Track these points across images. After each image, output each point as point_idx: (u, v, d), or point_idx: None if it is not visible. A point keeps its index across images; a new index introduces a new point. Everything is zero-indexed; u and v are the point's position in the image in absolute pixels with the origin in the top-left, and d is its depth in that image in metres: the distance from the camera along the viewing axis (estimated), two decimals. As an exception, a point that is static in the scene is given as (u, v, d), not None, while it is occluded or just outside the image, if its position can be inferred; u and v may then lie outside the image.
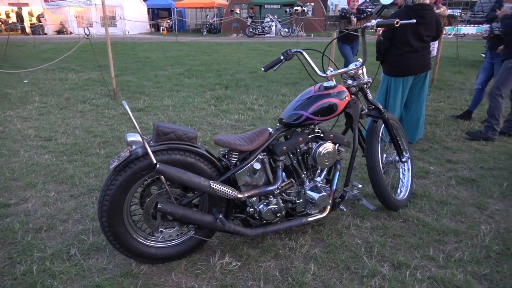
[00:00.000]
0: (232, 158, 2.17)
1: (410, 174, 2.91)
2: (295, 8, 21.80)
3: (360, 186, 2.47)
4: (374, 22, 2.35)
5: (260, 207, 2.23)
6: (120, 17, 22.38)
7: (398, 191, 2.86)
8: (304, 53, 2.41)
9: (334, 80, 2.40)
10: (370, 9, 7.18)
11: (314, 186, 2.38)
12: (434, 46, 7.16)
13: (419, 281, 2.02)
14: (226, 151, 2.23)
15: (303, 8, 22.45)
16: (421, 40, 3.74)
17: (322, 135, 2.37)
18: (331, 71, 2.42)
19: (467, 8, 20.86)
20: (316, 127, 2.38)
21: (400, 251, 2.28)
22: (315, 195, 2.32)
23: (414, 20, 2.47)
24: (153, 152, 1.93)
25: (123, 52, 13.32)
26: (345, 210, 2.49)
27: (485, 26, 4.86)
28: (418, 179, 3.26)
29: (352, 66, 2.48)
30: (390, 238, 2.40)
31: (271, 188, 2.20)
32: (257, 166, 2.17)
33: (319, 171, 2.43)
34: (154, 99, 6.24)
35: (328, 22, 6.72)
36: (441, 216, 2.68)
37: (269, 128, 2.31)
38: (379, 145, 2.62)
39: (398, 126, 2.84)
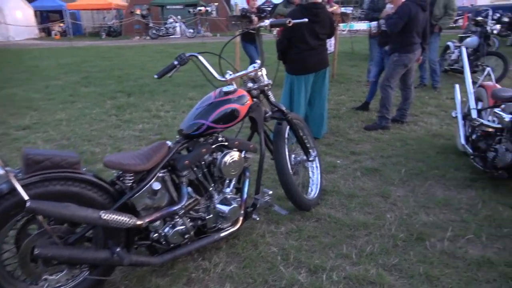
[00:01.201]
0: (127, 180, 1.91)
1: (318, 172, 2.94)
2: (199, 8, 21.53)
3: (270, 192, 2.40)
4: (267, 22, 2.27)
5: (166, 230, 2.01)
6: None
7: (309, 190, 2.87)
8: (200, 57, 2.24)
9: (234, 84, 2.27)
10: (271, 8, 7.30)
11: (223, 198, 2.23)
12: (331, 42, 7.55)
13: (335, 283, 2.00)
14: (120, 173, 1.96)
15: (207, 8, 22.28)
16: (317, 38, 3.84)
17: (226, 143, 2.23)
18: (230, 75, 2.29)
19: (358, 6, 22.69)
20: (220, 135, 2.23)
21: (315, 253, 2.25)
22: (226, 208, 2.18)
23: (307, 19, 2.46)
24: (23, 186, 1.59)
25: (6, 61, 11.72)
26: (258, 219, 2.39)
27: (374, 23, 5.20)
28: (328, 174, 3.33)
29: (250, 68, 2.39)
30: (305, 241, 2.37)
31: (175, 207, 1.99)
32: (157, 186, 1.94)
33: (227, 181, 2.29)
34: (45, 114, 5.52)
35: (232, 22, 6.65)
36: (351, 209, 2.74)
37: (167, 142, 2.09)
38: (287, 147, 2.58)
39: (303, 125, 2.84)
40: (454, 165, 3.42)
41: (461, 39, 9.28)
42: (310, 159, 2.79)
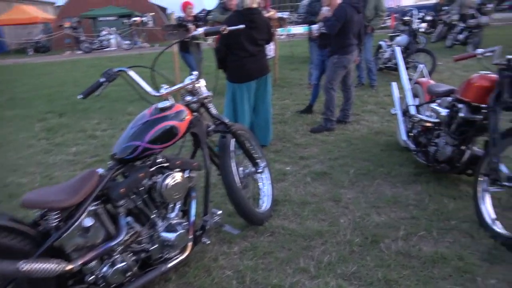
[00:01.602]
0: (53, 220, 1.66)
1: (269, 182, 2.84)
2: (133, 19, 20.79)
3: (220, 212, 2.24)
4: (201, 30, 2.13)
5: (104, 270, 1.77)
6: None
7: (260, 202, 2.75)
8: (130, 72, 2.03)
9: (171, 99, 2.09)
10: (203, 15, 7.15)
11: (168, 225, 2.04)
12: (271, 47, 7.58)
13: (296, 302, 1.89)
14: (44, 211, 1.70)
15: (142, 19, 21.59)
16: (256, 44, 3.76)
17: (167, 164, 2.05)
18: (166, 89, 2.11)
19: (293, 10, 23.27)
20: (159, 155, 2.04)
21: (272, 271, 2.13)
22: (171, 236, 1.99)
23: (243, 26, 2.36)
24: None
25: None
26: (208, 242, 2.22)
27: (316, 26, 5.25)
28: (278, 183, 3.24)
29: (187, 80, 2.23)
30: (260, 259, 2.24)
31: (113, 243, 1.77)
32: (89, 222, 1.71)
33: (171, 205, 2.10)
34: (-40, 144, 4.90)
35: (168, 32, 6.41)
36: (304, 218, 2.66)
37: (98, 170, 1.86)
38: (233, 160, 2.45)
39: (249, 135, 2.73)
40: (398, 161, 3.50)
41: (391, 38, 9.77)
42: (259, 170, 2.67)
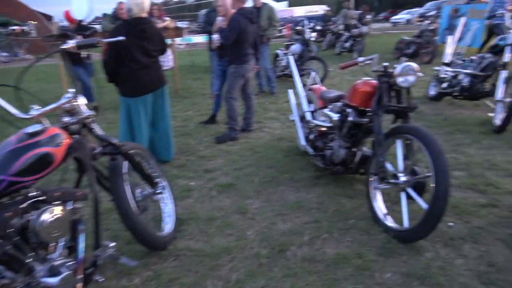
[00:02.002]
0: None
1: (171, 201, 2.67)
2: (12, 28, 18.50)
3: (113, 244, 2.00)
4: (72, 42, 1.90)
5: None
6: None
7: (163, 224, 2.56)
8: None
9: (45, 121, 1.81)
10: (94, 25, 6.63)
11: (50, 267, 1.74)
12: (169, 57, 7.36)
13: (204, 331, 1.77)
14: None
15: (23, 28, 19.34)
16: (149, 55, 3.56)
17: (44, 197, 1.75)
18: (37, 110, 1.81)
19: (193, 19, 23.16)
20: (33, 188, 1.74)
21: (178, 300, 1.98)
22: (54, 280, 1.70)
23: (123, 38, 2.17)
24: None
25: None
26: (103, 279, 1.97)
27: (216, 36, 5.19)
28: (182, 200, 3.08)
29: (63, 99, 1.95)
30: (165, 288, 2.07)
31: (-26, 302, 1.44)
32: None
33: (53, 244, 1.80)
34: None
35: (50, 43, 5.76)
36: (211, 236, 2.56)
37: None
38: (127, 183, 2.23)
39: (145, 154, 2.53)
40: (300, 166, 3.62)
41: (287, 47, 10.29)
42: (158, 191, 2.49)
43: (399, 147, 2.41)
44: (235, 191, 3.20)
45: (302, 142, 3.64)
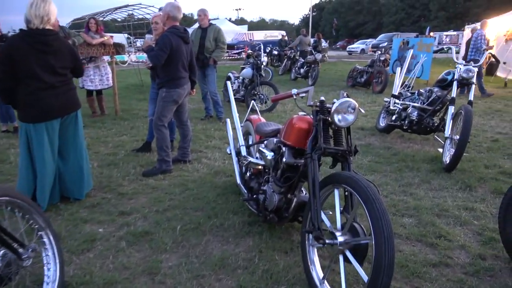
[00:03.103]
0: None
1: (56, 262, 2.06)
2: None
3: None
4: None
5: None
6: None
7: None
8: None
9: None
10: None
11: None
12: (108, 76, 6.73)
13: None
14: None
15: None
16: (55, 74, 2.98)
17: None
18: None
19: (141, 36, 22.49)
20: None
21: None
22: None
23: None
24: None
25: None
26: None
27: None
28: (80, 255, 2.48)
29: None
30: None
31: None
32: None
33: None
34: None
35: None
36: (103, 310, 1.98)
37: None
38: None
39: (17, 201, 1.93)
40: (233, 209, 3.13)
41: (243, 69, 9.99)
42: (24, 256, 1.87)
43: (337, 199, 2.01)
44: (150, 241, 2.64)
45: (238, 180, 3.18)
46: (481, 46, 8.57)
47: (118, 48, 6.72)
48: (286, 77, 13.52)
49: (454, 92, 4.23)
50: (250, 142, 3.43)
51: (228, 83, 3.83)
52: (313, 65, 11.49)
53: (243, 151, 3.14)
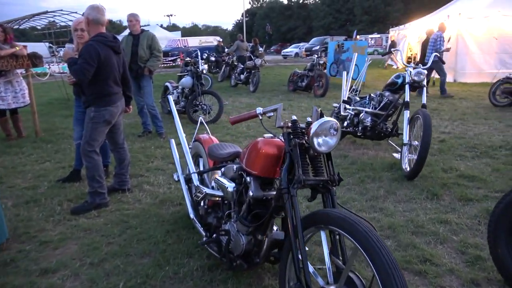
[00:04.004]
0: None
1: None
2: None
3: None
4: None
5: None
6: None
7: None
8: None
9: None
10: None
11: None
12: (24, 92, 5.78)
13: None
14: None
15: None
16: None
17: None
18: None
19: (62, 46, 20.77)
20: None
21: None
22: None
23: None
24: None
25: None
26: None
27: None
28: None
29: None
30: None
31: None
32: None
33: None
34: None
35: None
36: None
37: None
38: None
39: None
40: (188, 249, 2.61)
41: (180, 78, 9.37)
42: None
43: (324, 244, 1.61)
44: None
45: (190, 213, 2.67)
46: (440, 47, 8.76)
47: (34, 59, 5.80)
48: (226, 83, 13.11)
49: (407, 96, 4.12)
50: (201, 167, 2.94)
51: (170, 98, 3.27)
52: (253, 71, 11.22)
53: (195, 180, 2.64)
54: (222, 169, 2.33)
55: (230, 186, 2.10)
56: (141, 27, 5.69)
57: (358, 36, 27.83)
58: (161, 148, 5.27)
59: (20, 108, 5.90)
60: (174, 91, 7.56)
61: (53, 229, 3.01)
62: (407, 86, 4.15)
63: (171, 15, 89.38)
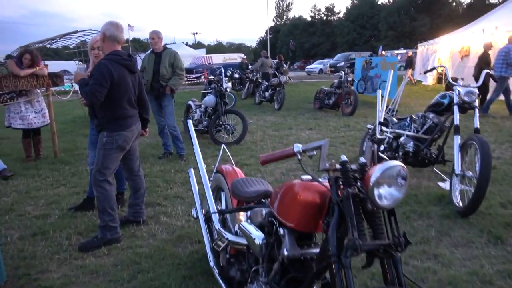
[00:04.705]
0: None
1: None
2: None
3: None
4: None
5: None
6: None
7: None
8: None
9: None
10: None
11: None
12: (44, 112, 5.63)
13: None
14: None
15: None
16: None
17: None
18: None
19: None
20: None
21: None
22: None
23: None
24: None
25: None
26: None
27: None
28: None
29: None
30: None
31: None
32: None
33: None
34: None
35: None
36: None
37: None
38: None
39: None
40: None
41: (203, 95, 9.12)
42: None
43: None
44: None
45: (210, 260, 2.27)
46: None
47: (55, 79, 5.66)
48: (250, 101, 12.83)
49: (456, 118, 3.62)
50: (223, 202, 2.55)
51: (190, 122, 2.89)
52: (278, 88, 10.89)
53: (216, 220, 2.25)
54: (248, 212, 1.93)
55: (258, 237, 1.69)
56: (167, 45, 5.46)
57: (383, 52, 27.37)
58: (181, 172, 4.93)
59: (40, 128, 5.75)
60: (197, 110, 7.29)
61: (56, 270, 2.67)
62: (455, 108, 3.65)
63: (196, 33, 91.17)
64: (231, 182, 2.35)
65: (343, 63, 31.70)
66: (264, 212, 1.77)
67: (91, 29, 11.32)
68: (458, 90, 3.71)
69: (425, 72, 4.51)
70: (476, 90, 3.65)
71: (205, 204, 2.63)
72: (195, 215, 2.57)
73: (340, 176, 1.36)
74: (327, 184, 1.40)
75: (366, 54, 30.42)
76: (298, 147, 1.44)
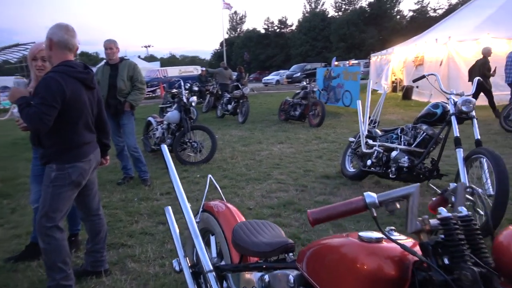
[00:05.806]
0: None
1: None
2: None
3: None
4: None
5: None
6: None
7: None
8: None
9: None
10: None
11: None
12: None
13: None
14: None
15: None
16: None
17: None
18: None
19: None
20: None
21: None
22: None
23: None
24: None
25: None
26: None
27: (15, 109, 3.01)
28: None
29: None
30: None
31: None
32: None
33: None
34: None
35: None
36: None
37: None
38: None
39: None
40: None
41: (162, 110, 8.38)
42: None
43: None
44: None
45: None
46: None
47: None
48: (212, 114, 12.27)
49: (455, 130, 3.33)
50: (213, 249, 1.99)
51: (165, 148, 2.27)
52: (241, 100, 10.43)
53: (213, 282, 1.68)
54: (266, 276, 1.40)
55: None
56: (120, 57, 4.80)
57: (336, 62, 28.00)
58: (146, 201, 4.26)
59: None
60: (159, 127, 6.62)
61: None
62: (453, 118, 3.38)
63: (148, 46, 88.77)
64: (225, 225, 1.83)
65: (299, 74, 32.11)
66: (292, 279, 1.25)
67: (34, 42, 10.31)
68: (452, 99, 3.45)
69: (414, 81, 4.21)
70: (474, 100, 3.40)
71: (188, 251, 2.07)
72: (177, 268, 1.98)
73: (441, 241, 0.89)
74: (416, 250, 0.92)
75: (317, 65, 30.86)
76: (372, 197, 0.96)
